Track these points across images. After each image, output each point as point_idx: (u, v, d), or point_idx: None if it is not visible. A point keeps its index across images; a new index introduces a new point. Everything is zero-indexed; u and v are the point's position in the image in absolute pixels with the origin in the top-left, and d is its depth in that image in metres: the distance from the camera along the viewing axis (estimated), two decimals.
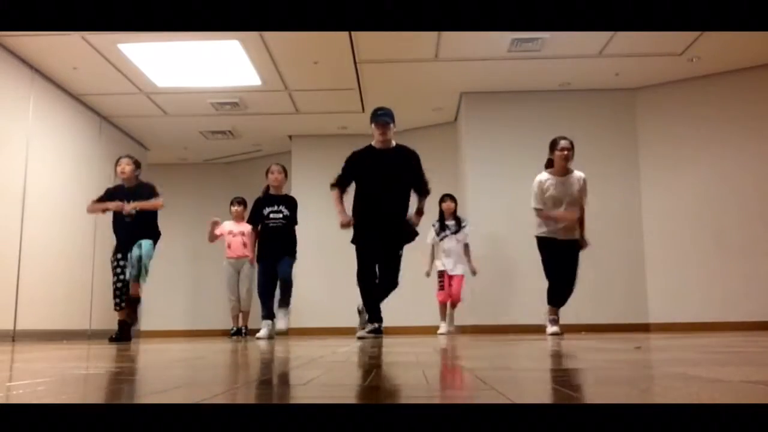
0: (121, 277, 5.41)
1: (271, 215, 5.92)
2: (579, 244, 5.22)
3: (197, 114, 8.10)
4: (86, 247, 7.46)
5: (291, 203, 6.05)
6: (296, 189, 8.78)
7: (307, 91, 7.42)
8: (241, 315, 7.18)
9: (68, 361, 2.52)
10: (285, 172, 6.12)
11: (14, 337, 5.96)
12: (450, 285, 6.76)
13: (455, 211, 6.86)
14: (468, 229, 6.84)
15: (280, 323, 5.72)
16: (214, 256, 10.12)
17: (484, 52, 6.47)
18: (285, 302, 5.79)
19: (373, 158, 4.96)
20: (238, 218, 7.25)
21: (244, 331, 7.09)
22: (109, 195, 5.53)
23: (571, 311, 6.93)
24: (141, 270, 5.31)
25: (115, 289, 5.44)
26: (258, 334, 5.72)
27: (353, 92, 7.43)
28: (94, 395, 1.23)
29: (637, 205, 7.10)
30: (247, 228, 7.00)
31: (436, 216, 6.80)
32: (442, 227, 6.81)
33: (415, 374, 1.55)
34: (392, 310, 8.28)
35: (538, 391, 1.19)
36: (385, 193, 4.92)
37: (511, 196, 6.87)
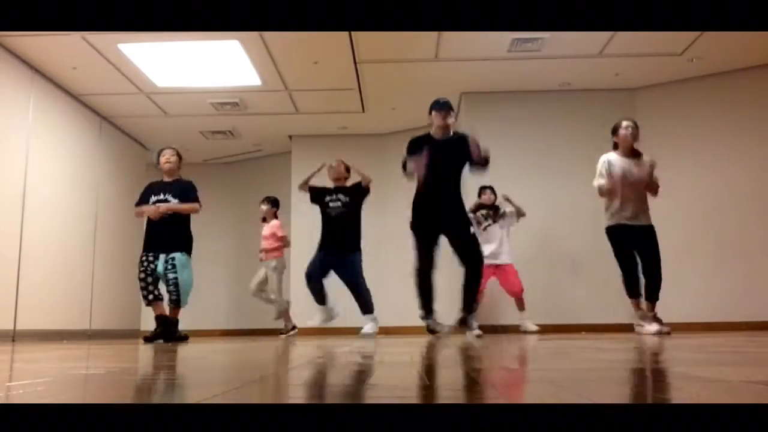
0: (143, 270, 5.25)
1: (331, 204, 6.06)
2: (653, 231, 5.06)
3: (197, 114, 8.10)
4: (86, 247, 7.47)
5: (347, 188, 6.15)
6: (296, 189, 8.77)
7: (307, 91, 7.42)
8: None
9: (68, 361, 2.51)
10: (347, 167, 6.26)
11: (14, 337, 5.96)
12: (495, 276, 6.44)
13: (494, 202, 6.66)
14: (508, 211, 6.58)
15: (367, 328, 5.87)
16: (215, 256, 10.14)
17: (484, 52, 6.47)
18: (366, 309, 5.94)
19: (433, 147, 4.84)
20: (269, 217, 7.20)
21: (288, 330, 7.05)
22: (148, 192, 5.46)
23: (572, 311, 6.95)
24: (181, 297, 5.27)
25: (141, 280, 5.27)
26: (310, 322, 5.87)
27: (353, 92, 7.43)
28: (94, 395, 1.23)
29: None
30: (271, 230, 7.11)
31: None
32: (485, 218, 6.54)
33: (413, 374, 1.55)
34: (392, 309, 8.28)
35: (538, 391, 1.19)
36: (443, 184, 4.85)
37: (511, 195, 6.86)
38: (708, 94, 6.99)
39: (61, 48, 6.12)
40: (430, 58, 6.58)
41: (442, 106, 4.89)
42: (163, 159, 5.47)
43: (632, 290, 5.06)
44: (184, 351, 3.39)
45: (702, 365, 1.67)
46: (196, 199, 5.43)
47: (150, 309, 5.35)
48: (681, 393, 1.09)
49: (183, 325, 5.80)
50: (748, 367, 1.59)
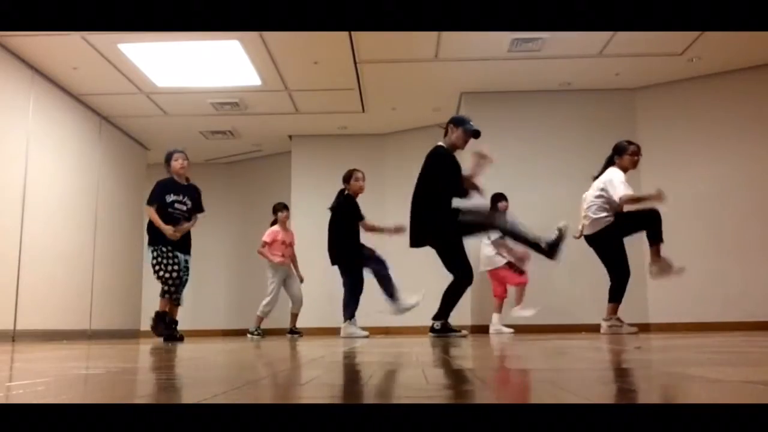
0: (176, 268, 5.36)
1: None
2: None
3: (197, 114, 8.10)
4: (86, 247, 7.46)
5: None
6: (296, 189, 8.78)
7: (307, 91, 7.42)
8: (291, 317, 7.13)
9: (68, 361, 2.52)
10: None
11: (14, 337, 5.96)
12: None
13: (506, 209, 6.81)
14: None
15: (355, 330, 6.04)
16: (215, 256, 10.14)
17: (484, 52, 6.47)
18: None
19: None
20: (285, 224, 7.20)
21: (296, 332, 7.02)
22: (163, 190, 5.47)
23: (572, 311, 6.95)
24: (181, 297, 5.51)
25: (173, 280, 5.35)
26: (360, 334, 5.95)
27: (353, 92, 7.43)
28: (94, 395, 1.23)
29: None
30: (293, 237, 7.16)
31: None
32: None
33: (415, 374, 1.55)
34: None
35: (538, 391, 1.19)
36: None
37: (511, 195, 6.86)
38: (708, 94, 6.99)
39: (61, 48, 6.12)
40: (430, 58, 6.58)
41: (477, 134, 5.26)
42: (177, 164, 5.52)
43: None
44: (184, 351, 3.39)
45: (702, 365, 1.67)
46: (202, 210, 5.73)
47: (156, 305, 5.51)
48: (681, 393, 1.09)
49: (183, 325, 5.83)
50: (748, 367, 1.59)
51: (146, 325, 8.92)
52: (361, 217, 6.27)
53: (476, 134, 5.22)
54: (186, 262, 5.50)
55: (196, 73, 6.85)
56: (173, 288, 5.36)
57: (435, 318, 5.14)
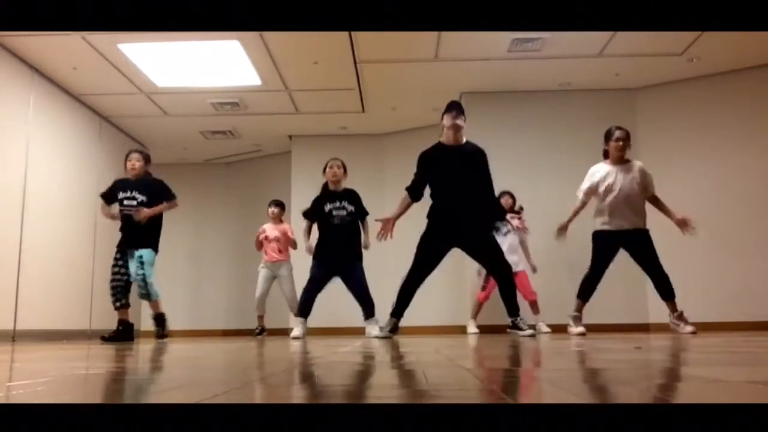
0: (117, 277, 5.52)
1: (334, 212, 5.70)
2: (646, 234, 5.07)
3: (197, 114, 8.10)
4: (86, 247, 7.47)
5: (353, 196, 5.81)
6: (296, 189, 8.78)
7: (307, 91, 7.42)
8: (292, 316, 7.09)
9: (68, 361, 2.52)
10: (344, 167, 5.85)
11: (14, 337, 5.96)
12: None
13: (513, 207, 6.71)
14: (525, 223, 6.68)
15: (374, 330, 5.60)
16: (215, 256, 10.14)
17: (484, 52, 6.47)
18: (370, 313, 5.72)
19: (447, 157, 4.83)
20: (275, 220, 7.24)
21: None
22: (117, 187, 5.59)
23: (571, 311, 6.94)
24: (150, 292, 5.48)
25: (113, 288, 5.54)
26: (292, 334, 5.60)
27: (353, 92, 7.43)
28: (94, 395, 1.23)
29: None
30: (283, 231, 7.06)
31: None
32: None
33: (415, 374, 1.55)
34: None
35: (538, 391, 1.19)
36: (463, 193, 4.81)
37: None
38: (708, 94, 6.99)
39: (61, 48, 6.12)
40: (430, 58, 6.58)
41: (451, 108, 4.90)
42: (129, 165, 5.61)
43: (586, 293, 5.18)
44: (184, 351, 3.40)
45: (702, 365, 1.67)
46: (171, 197, 5.64)
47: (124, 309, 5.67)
48: (681, 393, 1.09)
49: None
50: (748, 367, 1.59)
51: (146, 325, 8.93)
52: (305, 213, 5.83)
53: (450, 107, 4.92)
54: (140, 257, 5.41)
55: (196, 73, 6.85)
56: (113, 299, 5.54)
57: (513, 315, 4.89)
